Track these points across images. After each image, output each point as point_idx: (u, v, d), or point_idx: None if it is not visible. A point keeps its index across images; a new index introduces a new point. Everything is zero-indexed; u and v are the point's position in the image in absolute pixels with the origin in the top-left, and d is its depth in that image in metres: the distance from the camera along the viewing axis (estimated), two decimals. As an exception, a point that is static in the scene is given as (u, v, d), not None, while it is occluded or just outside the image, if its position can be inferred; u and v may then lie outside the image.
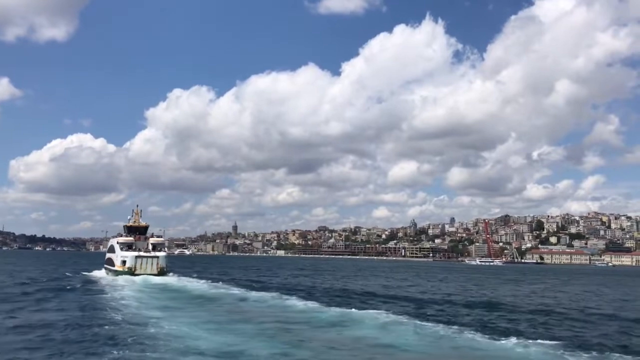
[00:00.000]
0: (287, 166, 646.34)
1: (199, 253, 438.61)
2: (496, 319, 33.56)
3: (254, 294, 45.23)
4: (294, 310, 34.99)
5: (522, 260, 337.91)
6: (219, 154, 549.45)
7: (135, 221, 72.97)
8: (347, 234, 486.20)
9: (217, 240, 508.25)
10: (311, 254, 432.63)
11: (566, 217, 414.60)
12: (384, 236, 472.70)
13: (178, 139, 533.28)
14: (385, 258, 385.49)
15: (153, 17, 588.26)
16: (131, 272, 62.96)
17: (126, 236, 71.60)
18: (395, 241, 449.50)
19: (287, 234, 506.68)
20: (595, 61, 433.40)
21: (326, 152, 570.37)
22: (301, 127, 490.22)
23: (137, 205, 75.73)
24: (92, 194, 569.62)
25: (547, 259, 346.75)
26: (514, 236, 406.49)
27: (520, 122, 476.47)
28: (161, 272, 63.81)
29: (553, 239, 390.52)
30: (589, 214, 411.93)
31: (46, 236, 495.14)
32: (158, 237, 74.45)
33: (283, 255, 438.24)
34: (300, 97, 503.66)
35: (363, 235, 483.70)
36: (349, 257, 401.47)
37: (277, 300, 41.08)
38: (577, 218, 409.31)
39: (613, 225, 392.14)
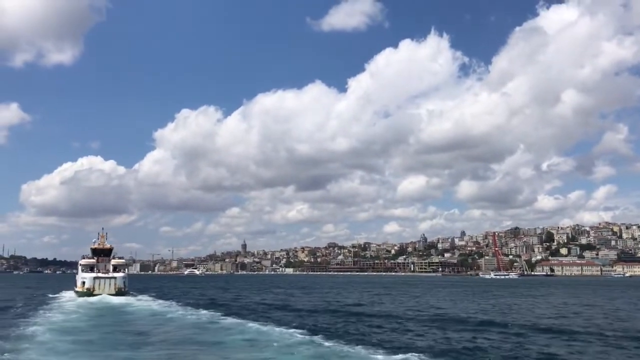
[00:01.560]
0: (295, 183, 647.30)
1: (208, 273, 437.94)
2: (407, 334, 32.49)
3: (190, 315, 44.49)
4: (211, 329, 34.44)
5: (532, 273, 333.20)
6: (228, 172, 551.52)
7: (100, 244, 74.63)
8: (356, 250, 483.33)
9: (227, 260, 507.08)
10: (320, 271, 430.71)
11: (576, 228, 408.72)
12: (393, 251, 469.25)
13: (187, 159, 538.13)
14: (393, 274, 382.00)
15: (158, 38, 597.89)
16: (90, 292, 64.51)
17: (90, 258, 72.72)
18: (404, 256, 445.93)
19: (297, 251, 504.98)
20: (601, 70, 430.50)
21: (334, 168, 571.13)
22: (308, 144, 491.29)
23: (103, 228, 79.12)
24: (103, 216, 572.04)
25: (558, 271, 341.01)
26: (524, 248, 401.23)
27: (528, 133, 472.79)
28: (119, 292, 65.01)
29: (563, 251, 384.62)
30: (599, 224, 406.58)
31: (57, 259, 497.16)
32: (120, 258, 76.11)
33: (291, 273, 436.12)
34: (306, 114, 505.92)
35: (373, 251, 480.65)
36: (357, 273, 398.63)
37: (206, 319, 40.64)
38: (588, 229, 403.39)
39: (624, 235, 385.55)
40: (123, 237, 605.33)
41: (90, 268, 70.07)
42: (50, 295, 72.20)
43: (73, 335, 30.52)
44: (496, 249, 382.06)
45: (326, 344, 28.15)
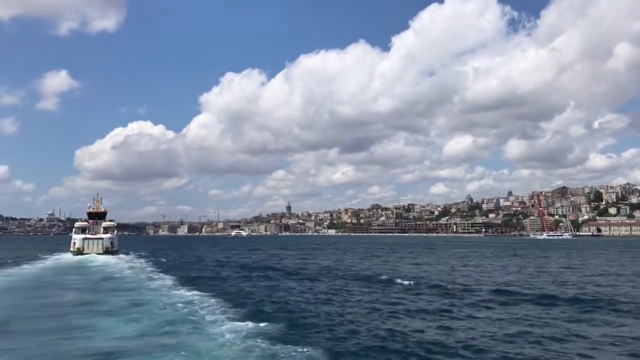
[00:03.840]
0: (339, 145, 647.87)
1: (254, 234, 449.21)
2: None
3: (135, 275, 45.97)
4: (123, 290, 35.33)
5: (578, 233, 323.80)
6: (272, 136, 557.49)
7: (95, 208, 79.61)
8: (399, 211, 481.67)
9: (272, 221, 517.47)
10: (362, 232, 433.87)
11: (627, 187, 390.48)
12: (437, 212, 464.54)
13: (232, 123, 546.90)
14: (435, 235, 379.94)
15: (201, 1, 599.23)
16: (80, 252, 70.63)
17: (85, 221, 77.46)
18: (447, 217, 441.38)
19: (340, 212, 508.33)
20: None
21: (377, 129, 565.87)
22: (351, 105, 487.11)
23: (97, 194, 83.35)
24: (154, 179, 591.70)
25: (605, 231, 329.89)
26: (571, 208, 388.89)
27: (578, 90, 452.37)
28: (106, 252, 70.80)
29: (612, 210, 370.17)
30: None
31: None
32: (110, 221, 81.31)
33: (334, 234, 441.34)
34: (349, 75, 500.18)
35: (416, 212, 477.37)
36: (398, 234, 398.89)
37: (144, 277, 42.45)
38: (639, 187, 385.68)
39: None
40: (174, 199, 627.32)
41: (82, 230, 76.53)
42: (47, 256, 76.34)
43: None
44: (540, 208, 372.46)
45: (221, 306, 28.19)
